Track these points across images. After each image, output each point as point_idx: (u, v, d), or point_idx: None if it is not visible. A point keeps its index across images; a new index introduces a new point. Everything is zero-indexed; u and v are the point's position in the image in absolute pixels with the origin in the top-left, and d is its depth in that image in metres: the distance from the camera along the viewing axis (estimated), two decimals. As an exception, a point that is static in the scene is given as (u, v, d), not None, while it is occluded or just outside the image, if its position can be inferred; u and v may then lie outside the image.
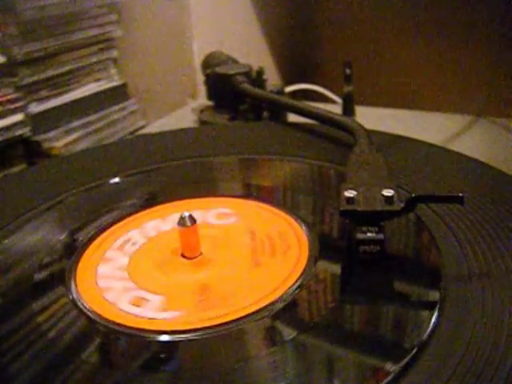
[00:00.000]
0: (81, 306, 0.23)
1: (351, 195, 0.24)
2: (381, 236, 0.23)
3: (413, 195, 0.23)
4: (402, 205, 0.23)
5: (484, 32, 0.68)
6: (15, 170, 0.52)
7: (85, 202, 0.33)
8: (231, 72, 0.49)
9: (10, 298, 0.24)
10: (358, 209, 0.23)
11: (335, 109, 0.44)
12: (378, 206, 0.23)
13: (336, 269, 0.25)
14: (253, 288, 0.23)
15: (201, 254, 0.26)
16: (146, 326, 0.21)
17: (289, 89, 0.59)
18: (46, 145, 0.53)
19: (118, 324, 0.22)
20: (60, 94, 0.56)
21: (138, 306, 0.23)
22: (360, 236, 0.23)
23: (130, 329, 0.21)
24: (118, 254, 0.27)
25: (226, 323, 0.21)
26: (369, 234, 0.23)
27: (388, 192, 0.24)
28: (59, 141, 0.54)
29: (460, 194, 0.23)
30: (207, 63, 0.55)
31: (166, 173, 0.36)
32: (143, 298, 0.23)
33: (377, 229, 0.23)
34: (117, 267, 0.26)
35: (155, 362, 0.20)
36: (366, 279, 0.23)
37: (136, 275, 0.25)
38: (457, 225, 0.26)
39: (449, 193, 0.23)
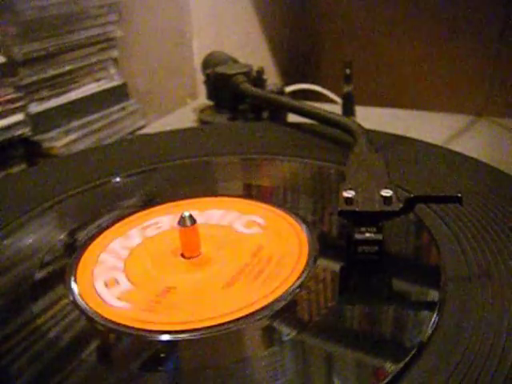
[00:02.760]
0: (81, 306, 0.23)
1: (350, 195, 0.24)
2: (379, 236, 0.23)
3: (411, 195, 0.23)
4: (401, 205, 0.23)
5: (484, 32, 0.68)
6: (15, 170, 0.52)
7: (85, 202, 0.33)
8: (231, 72, 0.49)
9: (11, 297, 0.24)
10: (357, 209, 0.23)
11: (335, 109, 0.44)
12: (377, 207, 0.23)
13: (336, 268, 0.25)
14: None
15: (201, 253, 0.26)
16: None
17: (289, 89, 0.59)
18: (45, 145, 0.53)
19: (118, 324, 0.22)
20: (60, 93, 0.56)
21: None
22: (358, 236, 0.23)
23: (130, 329, 0.21)
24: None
25: (226, 323, 0.21)
26: (367, 235, 0.23)
27: (386, 192, 0.24)
28: (59, 141, 0.54)
29: (458, 195, 0.23)
30: (207, 63, 0.55)
31: (165, 173, 0.36)
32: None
33: (375, 229, 0.23)
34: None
35: (155, 361, 0.20)
36: (366, 279, 0.23)
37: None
38: (457, 225, 0.26)
39: (447, 193, 0.23)
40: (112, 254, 0.27)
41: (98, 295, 0.24)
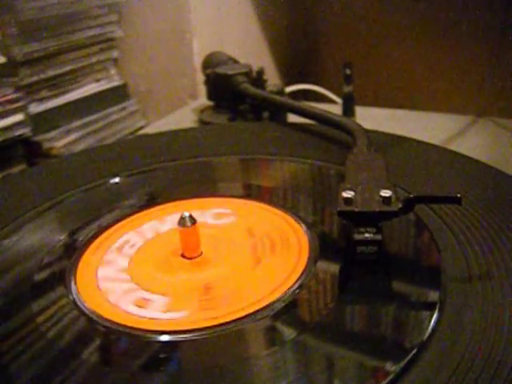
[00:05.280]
0: (81, 307, 0.23)
1: (349, 196, 0.24)
2: (378, 237, 0.23)
3: (410, 196, 0.23)
4: (400, 205, 0.23)
5: (484, 32, 0.68)
6: (15, 170, 0.52)
7: (85, 202, 0.33)
8: (231, 72, 0.49)
9: (11, 298, 0.24)
10: (356, 209, 0.23)
11: (335, 109, 0.44)
12: (376, 207, 0.23)
13: (336, 269, 0.25)
14: (253, 288, 0.23)
15: (201, 254, 0.26)
16: (147, 327, 0.21)
17: (289, 89, 0.59)
18: (46, 145, 0.53)
19: (118, 324, 0.22)
20: (60, 93, 0.56)
21: (140, 306, 0.23)
22: (357, 237, 0.23)
23: (130, 329, 0.21)
24: (118, 255, 0.27)
25: (226, 323, 0.21)
26: (366, 235, 0.23)
27: (386, 193, 0.24)
28: (59, 141, 0.54)
29: (458, 195, 0.23)
30: (207, 63, 0.55)
31: (166, 173, 0.36)
32: (145, 299, 0.23)
33: (374, 229, 0.23)
34: (117, 268, 0.26)
35: (156, 362, 0.20)
36: (366, 279, 0.23)
37: (137, 276, 0.25)
38: (457, 225, 0.26)
39: (446, 193, 0.23)
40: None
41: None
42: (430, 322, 0.20)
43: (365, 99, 0.54)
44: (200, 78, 0.57)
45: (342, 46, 0.80)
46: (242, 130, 0.44)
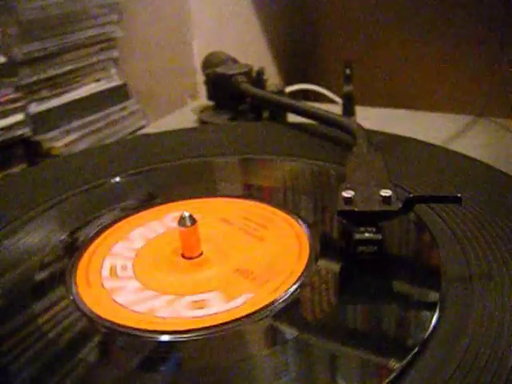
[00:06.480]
0: (81, 307, 0.23)
1: (349, 195, 0.24)
2: (379, 236, 0.23)
3: (411, 195, 0.23)
4: (400, 205, 0.23)
5: (484, 32, 0.68)
6: (15, 169, 0.52)
7: (85, 202, 0.33)
8: (231, 72, 0.49)
9: (11, 298, 0.24)
10: (356, 209, 0.23)
11: (335, 109, 0.44)
12: (376, 207, 0.23)
13: (336, 268, 0.25)
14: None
15: (201, 254, 0.26)
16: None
17: (289, 89, 0.59)
18: (46, 145, 0.53)
19: (118, 324, 0.22)
20: (60, 93, 0.56)
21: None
22: (358, 236, 0.23)
23: (129, 329, 0.21)
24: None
25: (226, 323, 0.21)
26: (366, 235, 0.23)
27: (386, 192, 0.24)
28: (59, 141, 0.54)
29: (458, 195, 0.23)
30: (207, 63, 0.55)
31: (166, 173, 0.36)
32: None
33: (374, 229, 0.23)
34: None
35: (155, 362, 0.20)
36: (367, 279, 0.23)
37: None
38: (457, 225, 0.26)
39: (446, 193, 0.23)
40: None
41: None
42: (430, 320, 0.20)
43: (365, 99, 0.54)
44: (200, 77, 0.57)
45: (342, 46, 0.80)
46: (242, 130, 0.44)
